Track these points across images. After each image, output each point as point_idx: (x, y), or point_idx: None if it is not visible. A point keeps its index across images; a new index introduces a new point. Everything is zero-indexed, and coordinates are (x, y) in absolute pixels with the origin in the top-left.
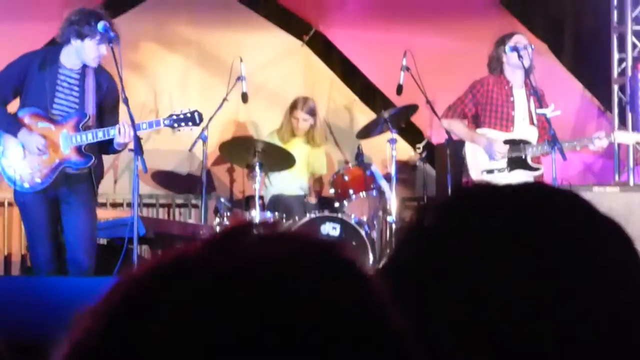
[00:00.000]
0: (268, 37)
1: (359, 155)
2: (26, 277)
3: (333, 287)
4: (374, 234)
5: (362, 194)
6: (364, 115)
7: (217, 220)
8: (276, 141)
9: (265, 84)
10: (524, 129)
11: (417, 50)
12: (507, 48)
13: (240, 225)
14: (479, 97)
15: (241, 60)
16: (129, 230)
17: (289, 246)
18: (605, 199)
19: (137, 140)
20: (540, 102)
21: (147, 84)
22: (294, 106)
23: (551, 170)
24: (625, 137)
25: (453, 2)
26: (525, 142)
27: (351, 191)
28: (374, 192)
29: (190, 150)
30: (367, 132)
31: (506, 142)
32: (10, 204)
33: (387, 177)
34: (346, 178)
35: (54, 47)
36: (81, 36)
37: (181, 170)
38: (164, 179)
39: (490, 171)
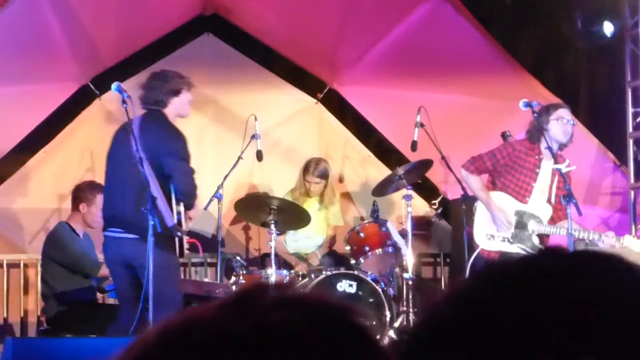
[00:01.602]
0: (282, 95)
1: (375, 212)
2: (42, 339)
3: (341, 355)
4: (391, 291)
5: (378, 250)
6: (379, 171)
7: (233, 279)
8: (289, 199)
9: (280, 142)
10: (540, 205)
11: (431, 107)
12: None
13: (254, 287)
14: (508, 160)
15: (256, 119)
16: (145, 289)
17: (299, 311)
18: (623, 253)
19: (152, 200)
20: (555, 158)
21: None
22: (306, 170)
23: (567, 224)
24: (632, 244)
25: (467, 58)
26: (536, 218)
27: (367, 248)
28: (390, 249)
29: (205, 209)
30: (382, 188)
31: (517, 212)
32: (26, 265)
33: (403, 233)
34: (362, 235)
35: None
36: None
37: (196, 229)
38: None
39: (492, 237)
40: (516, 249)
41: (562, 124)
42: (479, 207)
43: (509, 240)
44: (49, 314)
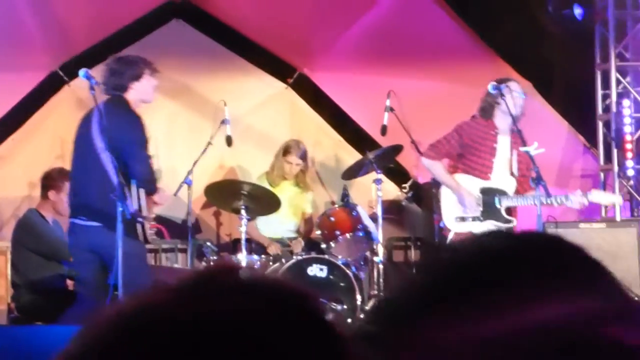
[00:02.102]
0: (253, 81)
1: (345, 196)
2: (12, 327)
3: (294, 343)
4: (362, 275)
5: (349, 234)
6: (350, 156)
7: (204, 264)
8: (265, 184)
9: (251, 128)
10: (503, 178)
11: (402, 91)
12: (493, 88)
13: (212, 271)
14: (465, 139)
15: (225, 104)
16: (114, 276)
17: (252, 297)
18: (592, 235)
19: (120, 186)
20: (523, 140)
21: None
22: (287, 150)
23: (536, 208)
24: (600, 197)
25: (439, 44)
26: (502, 192)
27: (338, 232)
28: (361, 233)
29: (175, 194)
30: (352, 172)
31: (482, 190)
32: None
33: (374, 218)
34: (332, 219)
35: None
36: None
37: (167, 214)
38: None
39: (463, 219)
40: (488, 225)
41: (513, 97)
42: (444, 191)
43: (479, 219)
44: (19, 302)
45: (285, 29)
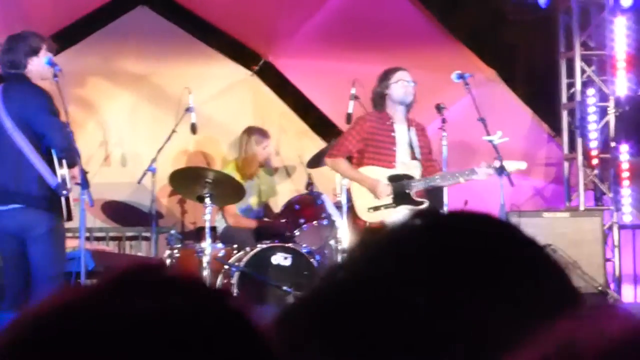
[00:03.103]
0: (217, 68)
1: (310, 185)
2: None
3: (209, 341)
4: (326, 263)
5: (314, 223)
6: (315, 144)
7: (168, 252)
8: (233, 172)
9: (215, 115)
10: (407, 164)
11: (368, 79)
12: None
13: (130, 270)
14: (363, 134)
15: (190, 92)
16: (77, 264)
17: (165, 297)
18: (556, 224)
19: (83, 173)
20: (487, 129)
21: (95, 119)
22: (263, 135)
23: (499, 196)
24: (508, 164)
25: (403, 31)
26: (409, 177)
27: (302, 220)
28: (325, 221)
29: (139, 182)
30: (317, 161)
31: (390, 178)
32: None
33: (338, 205)
34: (297, 207)
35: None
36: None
37: (131, 202)
38: (114, 211)
39: (376, 208)
40: (402, 210)
41: (402, 85)
42: (353, 185)
43: (392, 206)
44: None
45: (249, 16)
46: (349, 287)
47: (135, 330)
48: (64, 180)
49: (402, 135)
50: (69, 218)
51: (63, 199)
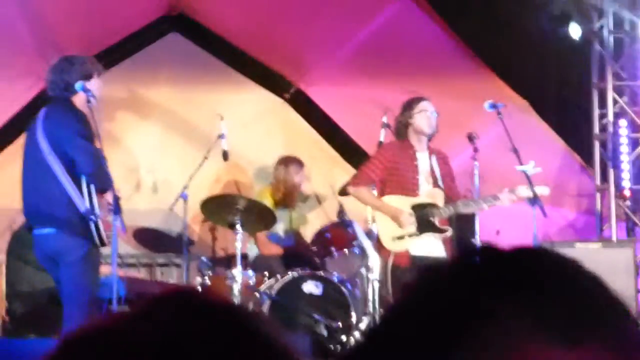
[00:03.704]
0: (249, 95)
1: (341, 213)
2: (5, 339)
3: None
4: (357, 292)
5: (344, 251)
6: (346, 172)
7: (199, 279)
8: (267, 200)
9: (247, 142)
10: (430, 192)
11: (398, 108)
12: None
13: (169, 295)
14: (385, 163)
15: (222, 118)
16: (109, 290)
17: (201, 320)
18: (588, 255)
19: (116, 200)
20: (520, 159)
21: (126, 146)
22: (300, 165)
23: (532, 227)
24: (527, 192)
25: (434, 59)
26: (432, 205)
27: (333, 249)
28: (356, 250)
29: (170, 209)
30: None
31: (413, 206)
32: None
33: (369, 234)
34: (328, 236)
35: None
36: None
37: (162, 229)
38: (146, 238)
39: (401, 237)
40: (426, 238)
41: (425, 116)
42: (377, 214)
43: (416, 234)
44: (13, 314)
45: (281, 44)
46: (407, 335)
47: (165, 354)
48: (92, 205)
49: (424, 163)
50: (102, 244)
51: (92, 225)
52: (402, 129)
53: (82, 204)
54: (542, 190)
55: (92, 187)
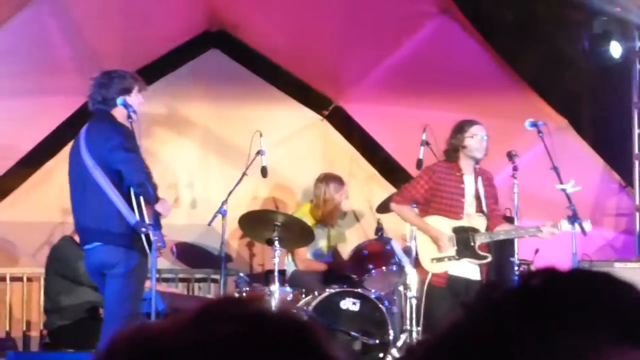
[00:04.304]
0: (288, 112)
1: (379, 230)
2: (43, 353)
3: None
4: (394, 309)
5: (382, 268)
6: (384, 189)
7: (237, 295)
8: (307, 217)
9: (285, 159)
10: (473, 217)
11: (437, 125)
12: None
13: (214, 302)
14: (431, 184)
15: (261, 135)
16: (147, 305)
17: (250, 326)
18: (627, 274)
19: (156, 214)
20: (560, 178)
21: (165, 161)
22: (341, 183)
23: (571, 245)
24: (570, 227)
25: (472, 76)
26: (474, 230)
27: (371, 266)
28: (394, 267)
29: (209, 224)
30: (386, 206)
31: (455, 229)
32: (29, 279)
33: (407, 251)
34: (366, 253)
35: None
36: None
37: (200, 244)
38: (183, 253)
39: (440, 259)
40: (464, 263)
41: (477, 140)
42: (418, 234)
43: (455, 258)
44: (51, 328)
45: (320, 60)
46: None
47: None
48: (142, 217)
49: (470, 187)
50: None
51: (143, 237)
52: (452, 151)
53: (132, 217)
54: (586, 226)
55: (141, 199)
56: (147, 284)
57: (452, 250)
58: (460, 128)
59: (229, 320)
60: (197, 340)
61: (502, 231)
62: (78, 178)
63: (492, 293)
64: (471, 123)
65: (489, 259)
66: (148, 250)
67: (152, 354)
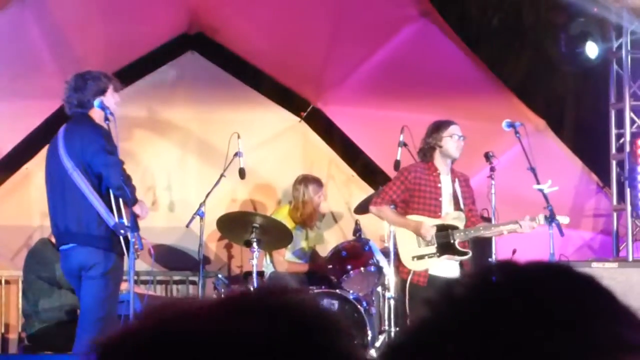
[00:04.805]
0: (266, 114)
1: (357, 231)
2: (22, 356)
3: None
4: (373, 310)
5: (361, 269)
6: (362, 191)
7: (215, 297)
8: (285, 219)
9: (264, 161)
10: (451, 215)
11: (416, 127)
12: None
13: (241, 292)
14: (407, 184)
15: (239, 136)
16: (126, 307)
17: (272, 318)
18: (604, 275)
19: (133, 216)
20: (536, 178)
21: (143, 164)
22: (320, 185)
23: (549, 246)
24: (546, 221)
25: (452, 79)
26: (453, 227)
27: (349, 267)
28: (372, 268)
29: (187, 226)
30: (364, 207)
31: (434, 227)
32: (7, 282)
33: (385, 252)
34: (344, 254)
35: None
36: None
37: (178, 246)
38: (161, 255)
39: (420, 257)
40: (444, 262)
41: (455, 140)
42: (398, 232)
43: (436, 255)
44: (29, 331)
45: (299, 63)
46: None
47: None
48: (121, 219)
49: (447, 186)
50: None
51: (122, 238)
52: (428, 151)
53: (111, 219)
54: (563, 220)
55: (120, 201)
56: (124, 286)
57: (432, 248)
58: (437, 128)
59: (254, 313)
60: (225, 330)
61: (482, 227)
62: (56, 180)
63: (454, 290)
64: (448, 123)
65: (469, 255)
66: (126, 252)
67: (177, 337)
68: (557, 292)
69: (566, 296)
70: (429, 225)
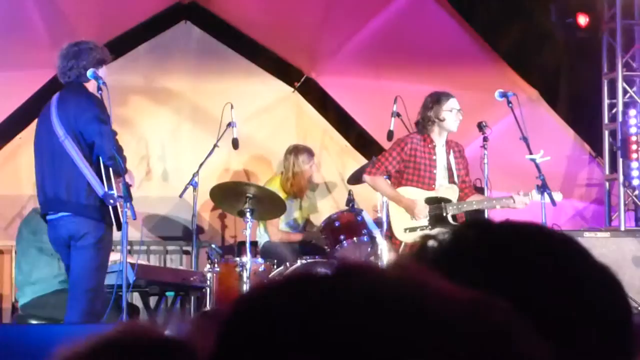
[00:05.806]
0: (259, 85)
1: (350, 201)
2: (14, 325)
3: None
4: None
5: (354, 239)
6: (356, 161)
7: (208, 267)
8: (276, 188)
9: (257, 131)
10: (445, 187)
11: (410, 97)
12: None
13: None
14: (403, 155)
15: (232, 107)
16: (119, 277)
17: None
18: (597, 244)
19: (126, 186)
20: (529, 147)
21: (137, 134)
22: (311, 154)
23: (541, 215)
24: (540, 197)
25: (445, 49)
26: (446, 200)
27: (342, 237)
28: (365, 238)
29: (180, 196)
30: (358, 177)
31: (427, 200)
32: (0, 252)
33: (378, 222)
34: (337, 224)
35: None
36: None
37: (172, 216)
38: (155, 225)
39: (412, 229)
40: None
41: (454, 114)
42: (391, 205)
43: (428, 228)
44: (23, 300)
45: (293, 33)
46: None
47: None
48: (111, 188)
49: (442, 158)
50: (119, 228)
51: (111, 209)
52: (427, 123)
53: (101, 188)
54: (556, 197)
55: (111, 171)
56: (115, 256)
57: (424, 220)
58: (437, 100)
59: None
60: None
61: (475, 201)
62: (46, 147)
63: (425, 249)
64: (447, 96)
65: None
66: (115, 223)
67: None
68: (533, 253)
69: (542, 255)
70: (422, 205)
